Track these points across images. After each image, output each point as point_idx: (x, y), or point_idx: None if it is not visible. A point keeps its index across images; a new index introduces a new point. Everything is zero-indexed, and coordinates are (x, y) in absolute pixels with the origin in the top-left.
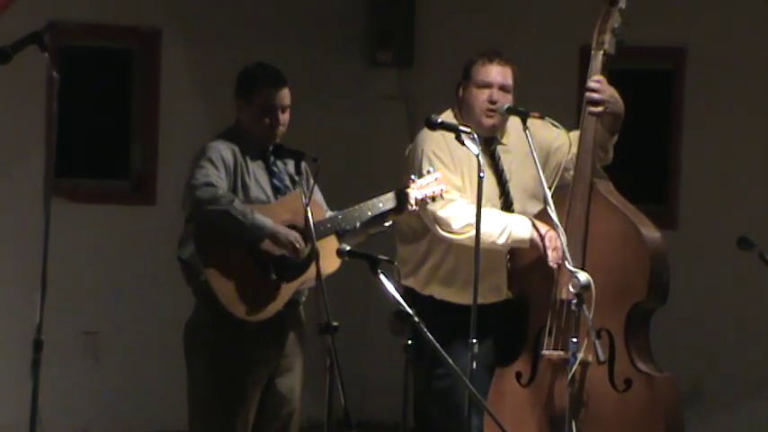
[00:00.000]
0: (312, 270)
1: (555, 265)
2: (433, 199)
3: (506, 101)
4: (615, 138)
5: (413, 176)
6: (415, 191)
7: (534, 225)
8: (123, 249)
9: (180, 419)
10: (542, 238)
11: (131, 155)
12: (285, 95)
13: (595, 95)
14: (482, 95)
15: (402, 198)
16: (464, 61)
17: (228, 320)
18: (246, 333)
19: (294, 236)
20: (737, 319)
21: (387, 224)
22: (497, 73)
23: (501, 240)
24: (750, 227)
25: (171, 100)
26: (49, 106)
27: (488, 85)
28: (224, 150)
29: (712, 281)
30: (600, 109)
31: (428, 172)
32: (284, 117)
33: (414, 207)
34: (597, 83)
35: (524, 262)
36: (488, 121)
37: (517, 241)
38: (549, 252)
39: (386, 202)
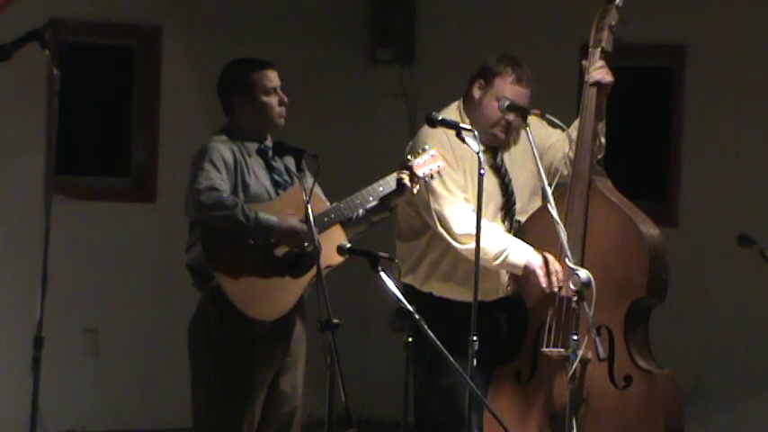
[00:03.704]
0: (321, 264)
1: (550, 291)
2: (432, 176)
3: (518, 122)
4: (603, 124)
5: (409, 156)
6: (414, 170)
7: (538, 252)
8: (124, 246)
9: (180, 416)
10: (546, 263)
11: (132, 152)
12: (278, 77)
13: (606, 80)
14: (500, 113)
15: (402, 179)
16: (487, 59)
17: (235, 319)
18: (253, 332)
19: (297, 224)
20: (738, 316)
21: (390, 208)
22: (523, 96)
23: (495, 263)
24: (751, 224)
25: (171, 97)
26: (49, 103)
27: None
28: (224, 150)
29: (713, 278)
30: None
31: (423, 150)
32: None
33: (415, 187)
34: (601, 69)
35: None
36: (502, 137)
37: (511, 266)
38: (545, 279)
39: (386, 185)
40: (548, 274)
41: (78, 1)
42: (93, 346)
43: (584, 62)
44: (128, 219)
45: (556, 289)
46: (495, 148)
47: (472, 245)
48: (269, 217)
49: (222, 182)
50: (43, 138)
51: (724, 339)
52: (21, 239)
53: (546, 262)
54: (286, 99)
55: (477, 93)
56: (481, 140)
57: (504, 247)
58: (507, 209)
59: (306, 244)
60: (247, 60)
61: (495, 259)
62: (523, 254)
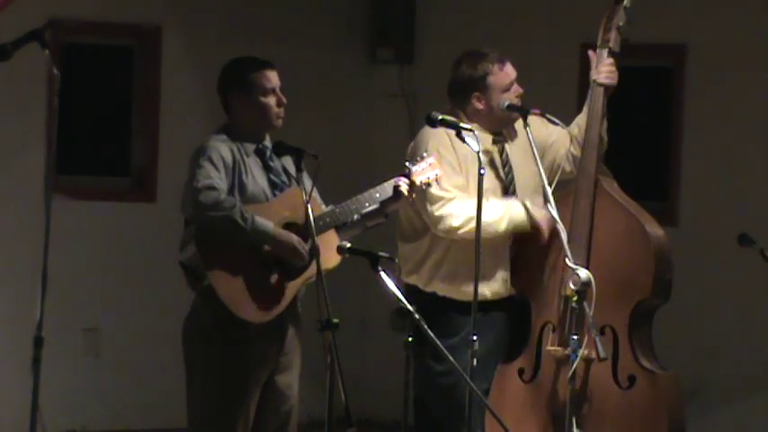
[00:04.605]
0: (314, 266)
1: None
2: (429, 185)
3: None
4: (605, 122)
5: (407, 163)
6: (412, 177)
7: (527, 208)
8: (124, 246)
9: (180, 416)
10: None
11: (132, 152)
12: (278, 77)
13: (612, 82)
14: (510, 96)
15: (399, 186)
16: (458, 73)
17: (229, 319)
18: (247, 332)
19: (296, 240)
20: (738, 315)
21: (386, 214)
22: (513, 70)
23: (503, 227)
24: (751, 223)
25: (171, 97)
26: (49, 103)
27: (512, 84)
28: (223, 149)
29: (713, 278)
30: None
31: (421, 157)
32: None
33: (412, 195)
34: (609, 70)
35: (527, 258)
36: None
37: (519, 225)
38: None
39: (382, 191)
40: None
41: (78, 1)
42: (93, 346)
43: (590, 52)
44: (128, 219)
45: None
46: (501, 147)
47: (474, 224)
48: (266, 223)
49: (221, 181)
50: (43, 138)
51: (724, 339)
52: (21, 239)
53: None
54: (285, 100)
55: (480, 105)
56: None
57: (504, 210)
58: None
59: (300, 252)
60: (248, 60)
61: (501, 222)
62: (523, 211)
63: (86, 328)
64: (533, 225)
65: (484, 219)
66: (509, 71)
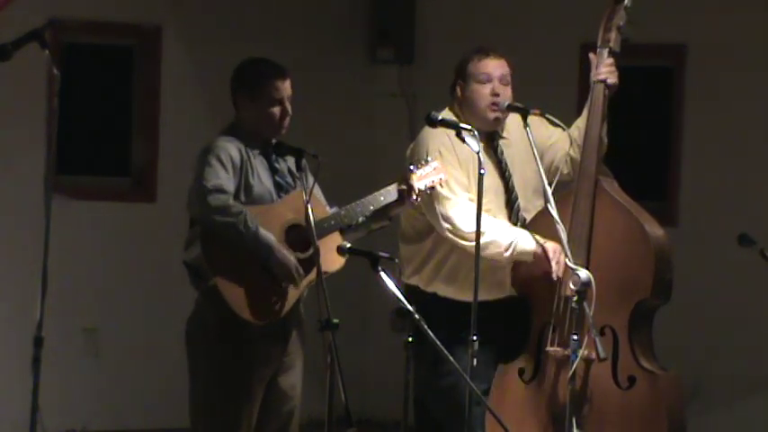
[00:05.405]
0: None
1: (556, 277)
2: (433, 188)
3: (508, 93)
4: (605, 125)
5: (411, 167)
6: (416, 182)
7: (536, 240)
8: (124, 246)
9: (180, 416)
10: (545, 251)
11: (132, 152)
12: (289, 86)
13: (612, 80)
14: (484, 90)
15: (403, 190)
16: (456, 65)
17: (232, 319)
18: (250, 332)
19: (293, 264)
20: (738, 316)
21: (390, 217)
22: (495, 65)
23: (507, 254)
24: (750, 224)
25: (171, 97)
26: (49, 103)
27: (489, 79)
28: (232, 149)
29: (713, 278)
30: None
31: (426, 162)
32: (290, 108)
33: (417, 199)
34: (609, 69)
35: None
36: (493, 115)
37: (522, 254)
38: (553, 264)
39: (387, 195)
40: (557, 260)
41: (78, 1)
42: (93, 346)
43: (591, 55)
44: (128, 219)
45: (561, 274)
46: (495, 144)
47: (481, 240)
48: (269, 238)
49: (229, 182)
50: (43, 138)
51: (724, 339)
52: (21, 239)
53: (548, 249)
54: (290, 111)
55: (459, 92)
56: (482, 133)
57: (513, 238)
58: (511, 206)
59: (295, 279)
60: (263, 64)
61: (507, 250)
62: (530, 241)
63: (86, 328)
64: (536, 257)
65: (493, 239)
66: (488, 64)
